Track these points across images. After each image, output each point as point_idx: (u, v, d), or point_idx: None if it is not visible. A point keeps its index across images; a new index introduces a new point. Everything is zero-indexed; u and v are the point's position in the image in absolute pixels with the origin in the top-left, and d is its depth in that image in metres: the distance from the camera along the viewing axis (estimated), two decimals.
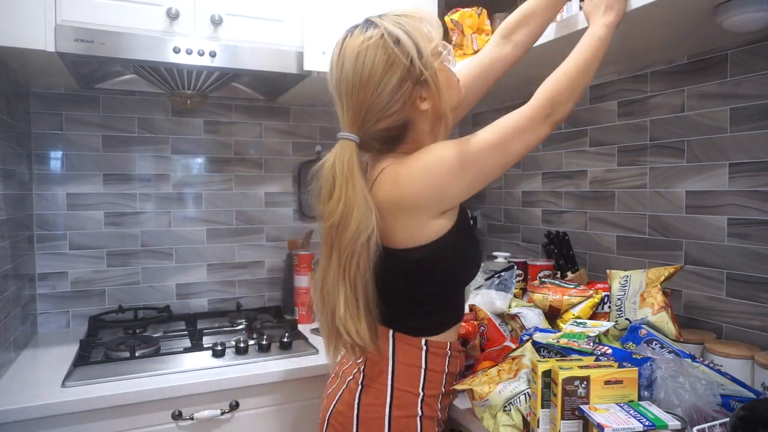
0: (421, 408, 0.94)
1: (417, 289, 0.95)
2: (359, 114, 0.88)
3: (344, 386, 0.99)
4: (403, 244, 0.90)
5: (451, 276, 0.97)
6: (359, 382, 0.96)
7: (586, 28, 0.98)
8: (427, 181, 0.86)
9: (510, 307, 1.28)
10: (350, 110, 0.88)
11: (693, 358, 0.99)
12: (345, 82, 0.88)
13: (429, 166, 0.87)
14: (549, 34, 1.18)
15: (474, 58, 1.12)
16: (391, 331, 0.96)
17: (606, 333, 1.12)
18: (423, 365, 0.96)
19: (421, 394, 0.95)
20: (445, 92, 0.91)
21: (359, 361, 0.99)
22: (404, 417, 0.93)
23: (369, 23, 0.90)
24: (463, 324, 1.22)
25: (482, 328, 1.29)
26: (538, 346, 1.04)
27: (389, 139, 0.92)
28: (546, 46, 1.21)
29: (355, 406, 0.94)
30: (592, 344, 0.97)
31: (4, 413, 1.08)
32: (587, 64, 0.89)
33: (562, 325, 1.19)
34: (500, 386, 0.96)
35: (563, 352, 0.98)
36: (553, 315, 1.25)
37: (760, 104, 1.13)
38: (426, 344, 0.96)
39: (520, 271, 1.56)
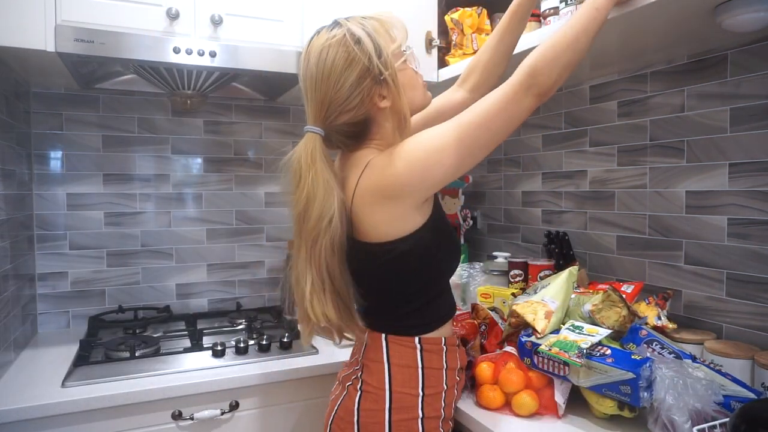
0: (422, 409, 0.94)
1: (403, 285, 0.96)
2: (322, 108, 0.92)
3: (344, 392, 0.99)
4: (385, 237, 0.92)
5: (433, 267, 0.97)
6: (358, 388, 0.97)
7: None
8: (414, 163, 0.87)
9: None
10: (314, 104, 0.93)
11: (693, 358, 0.99)
12: (309, 76, 0.93)
13: (414, 150, 0.88)
14: (549, 34, 1.18)
15: (434, 101, 1.17)
16: (383, 335, 0.98)
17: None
18: (419, 364, 0.96)
19: (421, 394, 0.95)
20: (406, 92, 0.95)
21: (357, 368, 1.00)
22: (405, 420, 0.93)
23: (335, 24, 0.95)
24: (463, 324, 1.22)
25: (483, 327, 1.29)
26: (535, 348, 1.04)
27: (353, 134, 0.96)
28: None
29: (355, 411, 0.95)
30: (582, 356, 0.96)
31: (4, 413, 1.08)
32: (578, 34, 0.86)
33: (561, 325, 1.19)
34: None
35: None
36: None
37: (760, 104, 1.13)
38: (420, 342, 0.97)
39: (520, 271, 1.56)
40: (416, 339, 0.97)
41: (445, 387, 0.99)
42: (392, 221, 0.91)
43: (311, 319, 0.92)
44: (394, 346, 0.97)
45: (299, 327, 0.99)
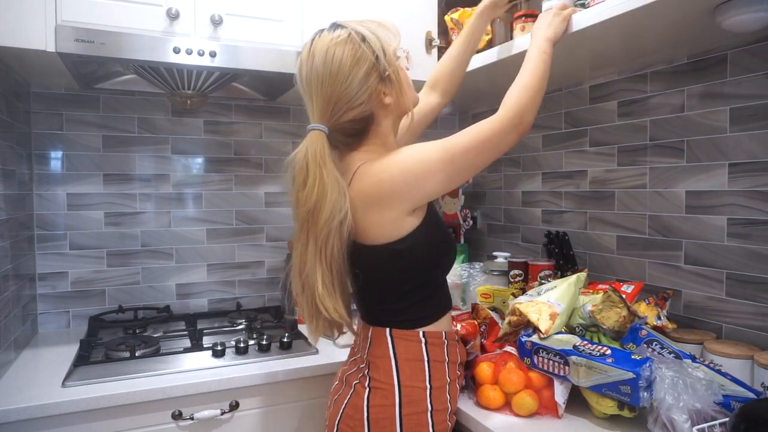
0: (431, 402, 0.96)
1: (401, 282, 0.98)
2: (329, 105, 0.94)
3: (351, 390, 0.99)
4: (381, 240, 0.95)
5: (430, 265, 1.00)
6: (366, 385, 0.97)
7: (577, 32, 1.04)
8: (405, 176, 0.91)
9: None
10: (320, 102, 0.95)
11: (693, 358, 0.99)
12: (315, 75, 0.94)
13: (407, 163, 0.92)
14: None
15: None
16: (387, 330, 0.99)
17: (604, 332, 1.12)
18: (425, 357, 0.98)
19: (429, 387, 0.97)
20: (406, 89, 1.00)
21: (362, 365, 1.00)
22: (415, 413, 0.94)
23: (336, 25, 0.98)
24: (463, 324, 1.22)
25: (483, 327, 1.29)
26: (536, 347, 1.04)
27: (354, 132, 0.98)
28: None
29: (365, 408, 0.95)
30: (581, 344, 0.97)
31: (4, 413, 1.08)
32: (541, 76, 1.00)
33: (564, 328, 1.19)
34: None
35: (562, 353, 0.99)
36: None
37: (760, 104, 1.13)
38: (424, 335, 0.99)
39: (520, 271, 1.56)
40: (420, 332, 0.99)
41: (448, 380, 1.00)
42: (386, 225, 0.94)
43: (322, 313, 0.94)
44: (399, 340, 0.98)
45: (307, 324, 1.00)
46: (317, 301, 0.93)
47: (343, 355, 1.39)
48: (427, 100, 1.28)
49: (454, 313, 1.29)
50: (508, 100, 0.96)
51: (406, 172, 0.91)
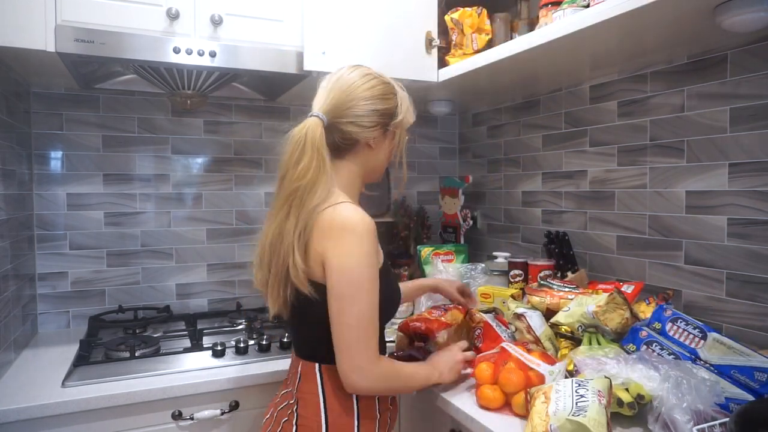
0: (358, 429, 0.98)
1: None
2: (340, 106, 0.99)
3: (279, 429, 0.99)
4: (324, 279, 0.94)
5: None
6: (294, 423, 0.98)
7: (578, 32, 1.04)
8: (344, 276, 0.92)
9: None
10: (334, 99, 0.99)
11: (693, 359, 0.99)
12: (347, 80, 1.00)
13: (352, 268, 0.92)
14: (548, 35, 1.18)
15: None
16: (316, 365, 0.99)
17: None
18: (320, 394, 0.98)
19: (356, 423, 0.98)
20: (388, 156, 1.08)
21: (291, 401, 1.00)
22: None
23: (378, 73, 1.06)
24: (426, 320, 1.23)
25: (478, 330, 1.29)
26: (676, 316, 1.05)
27: (339, 146, 1.02)
28: (543, 48, 1.21)
29: None
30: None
31: (4, 413, 1.08)
32: (407, 389, 1.07)
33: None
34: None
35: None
36: (550, 316, 1.25)
37: (760, 104, 1.13)
38: (320, 370, 0.99)
39: (520, 271, 1.56)
40: (316, 366, 0.99)
41: (378, 415, 1.01)
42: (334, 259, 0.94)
43: (290, 281, 0.94)
44: (328, 374, 0.98)
45: (267, 293, 1.00)
46: (293, 276, 0.93)
47: None
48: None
49: (435, 312, 1.30)
50: (373, 370, 0.93)
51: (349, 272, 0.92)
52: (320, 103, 1.00)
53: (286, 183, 0.96)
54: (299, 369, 1.02)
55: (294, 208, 0.94)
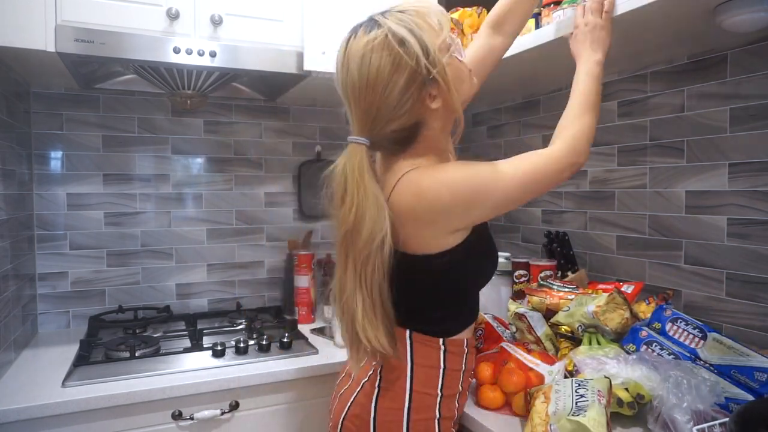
0: (439, 410, 0.94)
1: (435, 292, 0.94)
2: (368, 117, 0.86)
3: (359, 388, 0.96)
4: (416, 251, 0.90)
5: (468, 281, 0.97)
6: (376, 385, 0.94)
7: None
8: (451, 201, 0.85)
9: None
10: (359, 113, 0.87)
11: (693, 359, 0.99)
12: (351, 85, 0.87)
13: (455, 187, 0.86)
14: (548, 34, 1.18)
15: (468, 51, 1.11)
16: (408, 332, 0.94)
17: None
18: (442, 365, 0.94)
19: (440, 395, 0.94)
20: (456, 87, 0.89)
21: (374, 363, 0.96)
22: (423, 420, 0.92)
23: (373, 22, 0.88)
24: None
25: (479, 332, 1.29)
26: (676, 316, 1.05)
27: (401, 140, 0.91)
28: (543, 48, 1.21)
29: (372, 409, 0.92)
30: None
31: (4, 413, 1.08)
32: (595, 105, 0.96)
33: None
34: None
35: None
36: (550, 316, 1.25)
37: (760, 104, 1.13)
38: (444, 344, 0.95)
39: (525, 271, 1.56)
40: (441, 340, 0.95)
41: (460, 389, 0.98)
42: (423, 239, 0.89)
43: (362, 342, 0.88)
44: (419, 345, 0.94)
45: (348, 351, 0.94)
46: (358, 329, 0.87)
47: (342, 355, 1.39)
48: (491, 43, 1.13)
49: None
50: (565, 133, 0.92)
51: (454, 195, 0.85)
52: (350, 119, 0.89)
53: (339, 230, 0.87)
54: None
55: (350, 255, 0.86)
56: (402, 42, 0.84)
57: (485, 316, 1.31)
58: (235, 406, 1.29)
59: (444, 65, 0.86)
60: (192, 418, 1.24)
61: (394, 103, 0.85)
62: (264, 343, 1.43)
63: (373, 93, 0.85)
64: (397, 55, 0.83)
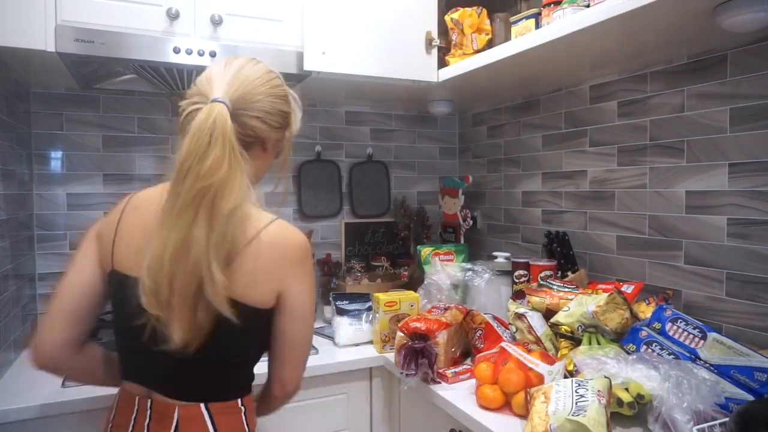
0: None
1: (254, 345, 0.90)
2: (247, 98, 0.85)
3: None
4: (259, 304, 0.85)
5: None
6: None
7: (578, 32, 0.99)
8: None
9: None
10: (241, 90, 0.84)
11: (693, 359, 0.99)
12: (254, 73, 0.89)
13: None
14: (548, 34, 1.18)
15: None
16: (202, 406, 0.84)
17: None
18: (246, 429, 0.88)
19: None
20: (269, 165, 0.97)
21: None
22: None
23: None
24: (426, 319, 1.23)
25: (479, 332, 1.29)
26: (676, 316, 1.05)
27: (243, 143, 0.84)
28: (543, 48, 1.21)
29: None
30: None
31: (4, 413, 1.08)
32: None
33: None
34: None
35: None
36: (550, 316, 1.25)
37: (760, 104, 1.13)
38: (243, 404, 0.89)
39: (525, 271, 1.56)
40: (239, 401, 0.88)
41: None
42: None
43: (207, 301, 0.77)
44: (220, 416, 0.85)
45: (180, 318, 0.78)
46: (207, 288, 0.76)
47: (343, 355, 1.39)
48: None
49: (435, 311, 1.29)
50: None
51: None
52: (222, 89, 0.82)
53: (189, 181, 0.77)
54: (176, 414, 0.83)
55: (203, 212, 0.76)
56: (291, 95, 0.96)
57: (485, 316, 1.31)
58: None
59: (285, 144, 0.97)
60: None
61: (270, 109, 0.90)
62: None
63: (263, 89, 0.90)
64: (288, 96, 0.95)
